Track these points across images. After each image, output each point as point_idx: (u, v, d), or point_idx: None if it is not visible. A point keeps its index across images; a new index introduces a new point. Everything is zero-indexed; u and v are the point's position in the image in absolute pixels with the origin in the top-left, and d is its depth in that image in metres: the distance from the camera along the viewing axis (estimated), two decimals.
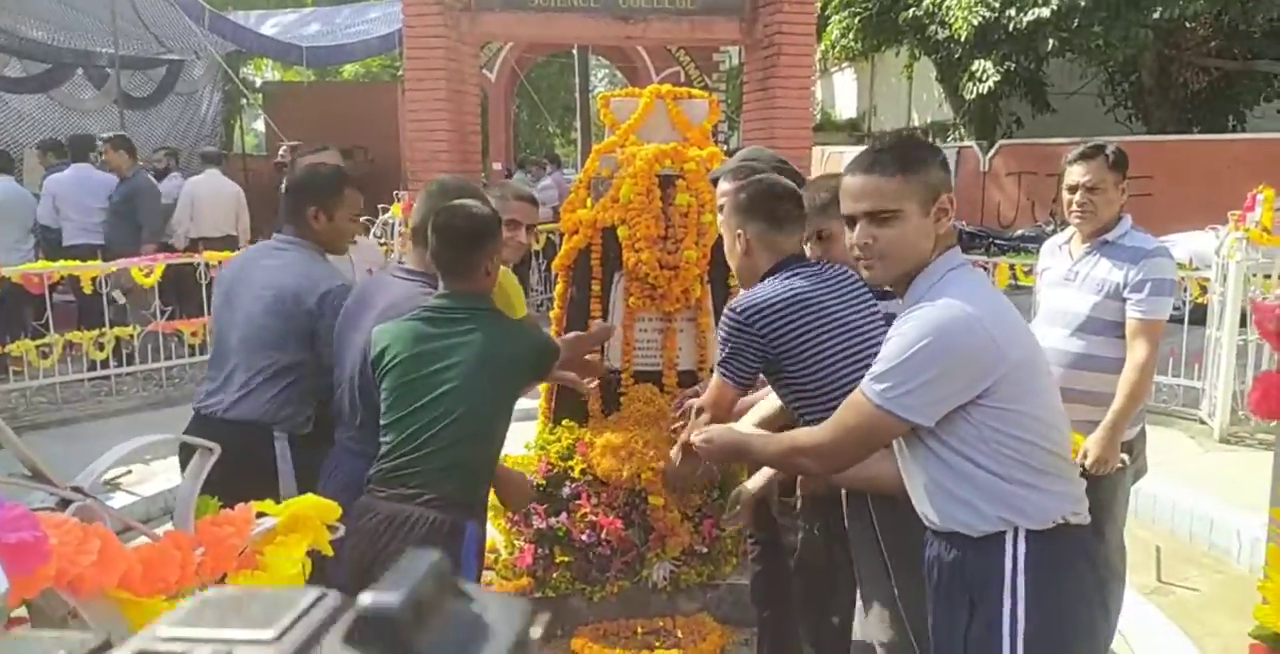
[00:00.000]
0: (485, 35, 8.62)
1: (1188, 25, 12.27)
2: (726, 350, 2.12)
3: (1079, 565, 1.63)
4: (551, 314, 3.74)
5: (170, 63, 11.90)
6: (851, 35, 16.43)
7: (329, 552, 1.04)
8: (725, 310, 2.17)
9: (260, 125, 21.10)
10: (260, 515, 1.05)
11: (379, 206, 7.80)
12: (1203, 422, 5.75)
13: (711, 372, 3.58)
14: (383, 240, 7.44)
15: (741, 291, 2.38)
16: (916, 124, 20.39)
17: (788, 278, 2.13)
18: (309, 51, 11.17)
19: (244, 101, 15.19)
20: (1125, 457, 2.69)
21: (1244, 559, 3.87)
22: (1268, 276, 5.48)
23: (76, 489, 0.79)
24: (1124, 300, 2.69)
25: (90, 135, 8.49)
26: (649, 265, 3.37)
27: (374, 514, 2.00)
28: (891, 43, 16.65)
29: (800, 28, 7.88)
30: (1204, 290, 6.00)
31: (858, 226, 1.69)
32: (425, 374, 2.05)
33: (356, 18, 12.67)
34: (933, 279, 1.66)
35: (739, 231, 2.19)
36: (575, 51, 9.64)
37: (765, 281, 2.16)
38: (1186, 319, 6.17)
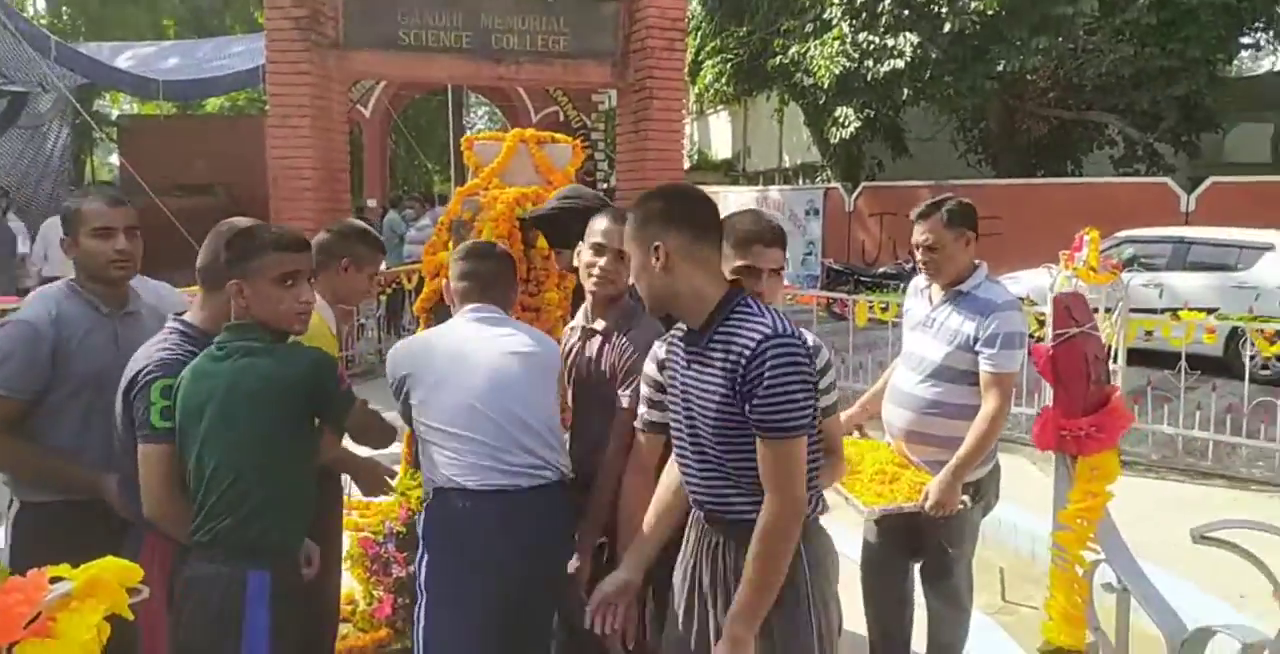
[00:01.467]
0: (354, 73, 8.53)
1: (1029, 77, 13.21)
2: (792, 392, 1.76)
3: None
4: None
5: (13, 95, 11.27)
6: (724, 80, 17.00)
7: (129, 616, 1.00)
8: (771, 341, 1.74)
9: (116, 160, 20.16)
10: (56, 580, 1.00)
11: None
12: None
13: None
14: None
15: (642, 320, 2.38)
16: (787, 165, 21.18)
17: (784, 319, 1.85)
18: (166, 85, 10.77)
19: (97, 136, 14.50)
20: (966, 498, 2.75)
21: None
22: (1095, 311, 5.90)
23: None
24: (975, 353, 2.74)
25: None
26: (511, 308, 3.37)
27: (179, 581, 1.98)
28: (762, 88, 17.30)
29: (670, 72, 8.12)
30: (1041, 324, 6.40)
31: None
32: (186, 425, 2.00)
33: (219, 52, 12.31)
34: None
35: (656, 244, 1.85)
36: (449, 90, 9.63)
37: (767, 315, 1.80)
38: (1027, 351, 6.58)
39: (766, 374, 1.72)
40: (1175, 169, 13.72)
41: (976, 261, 2.89)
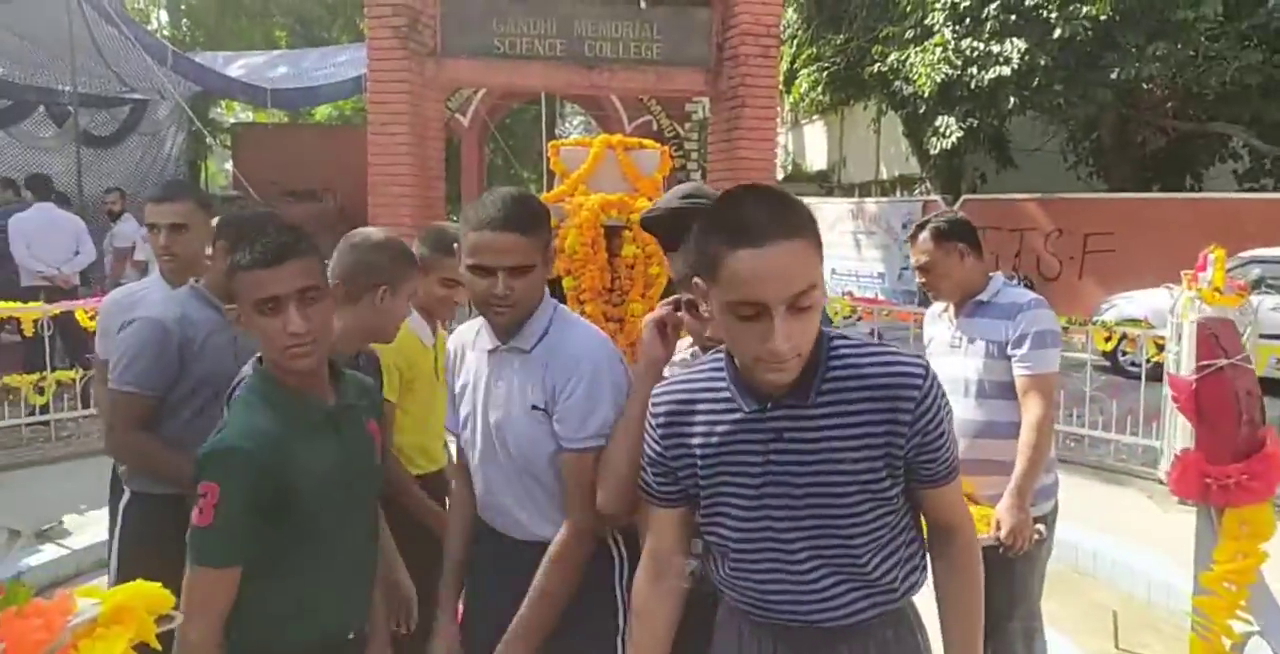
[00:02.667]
0: (450, 81, 8.65)
1: (1145, 86, 12.57)
2: None
3: None
4: None
5: (134, 102, 11.82)
6: (820, 89, 16.70)
7: (155, 645, 0.93)
8: (930, 374, 1.45)
9: (230, 165, 21.02)
10: (87, 600, 0.94)
11: None
12: (1161, 481, 5.71)
13: None
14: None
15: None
16: (885, 176, 20.70)
17: None
18: (274, 94, 11.14)
19: (210, 142, 15.12)
20: (1041, 527, 2.56)
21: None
22: None
23: None
24: (1010, 358, 2.62)
25: (46, 175, 8.35)
26: (594, 317, 3.29)
27: None
28: (859, 97, 16.94)
29: (763, 81, 7.98)
30: (1160, 348, 6.02)
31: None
32: None
33: (324, 61, 12.68)
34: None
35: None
36: (543, 99, 9.68)
37: (870, 343, 1.53)
38: (1144, 377, 6.19)
39: (940, 412, 1.42)
40: None
41: (991, 273, 2.78)
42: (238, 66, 12.26)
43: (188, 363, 2.34)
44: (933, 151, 14.26)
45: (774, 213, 1.30)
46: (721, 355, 1.50)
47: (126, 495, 2.46)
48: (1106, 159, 15.25)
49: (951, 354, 2.77)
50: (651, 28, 8.10)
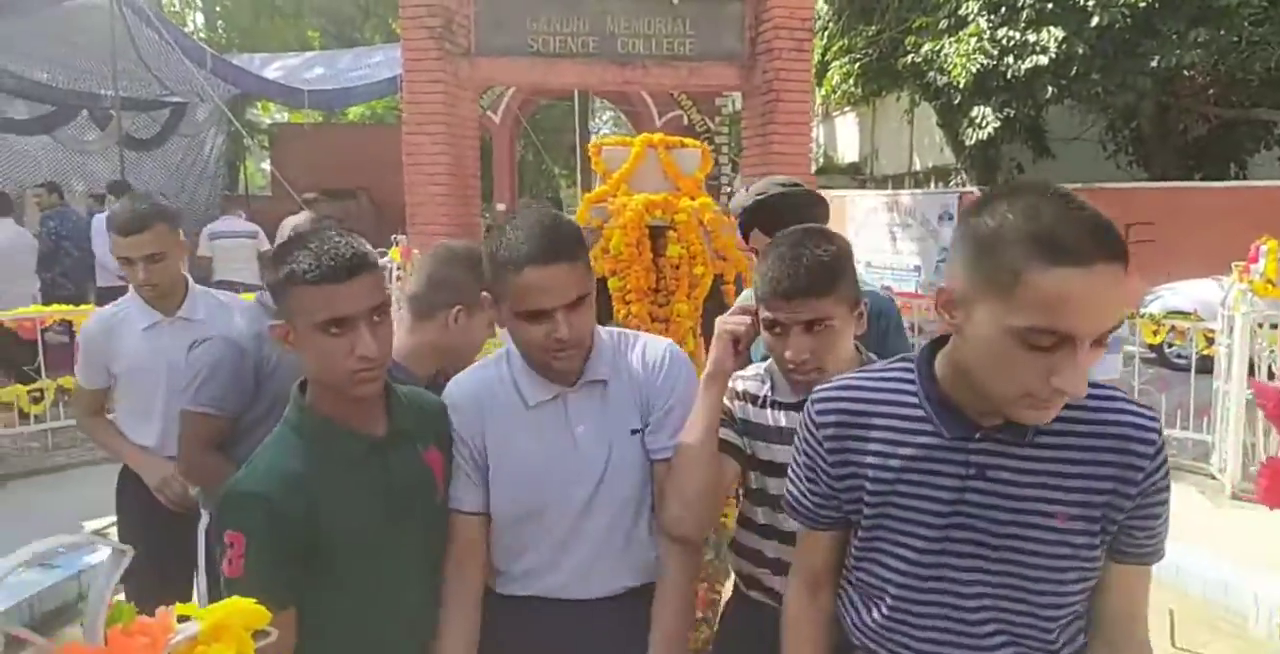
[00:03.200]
0: (484, 80, 8.67)
1: (1186, 73, 12.32)
2: None
3: None
4: None
5: (174, 105, 12.01)
6: (852, 81, 16.56)
7: None
8: (1158, 429, 1.28)
9: (268, 165, 21.28)
10: (183, 619, 0.96)
11: (378, 250, 7.77)
12: (1213, 476, 5.62)
13: None
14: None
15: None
16: (918, 168, 20.48)
17: None
18: (311, 94, 11.26)
19: (248, 143, 15.32)
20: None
21: (1262, 623, 3.72)
22: (1275, 326, 5.39)
23: None
24: None
25: (126, 181, 8.63)
26: (639, 318, 3.29)
27: None
28: (892, 88, 16.76)
29: (798, 74, 7.92)
30: (1210, 341, 5.92)
31: None
32: None
33: (359, 61, 12.79)
34: None
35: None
36: (575, 95, 9.69)
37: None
38: (1194, 370, 6.09)
39: (1168, 477, 1.25)
40: None
41: None
42: (274, 68, 12.41)
43: (263, 381, 2.28)
44: (968, 142, 14.07)
45: (1095, 229, 1.06)
46: (905, 365, 1.32)
47: (204, 518, 2.46)
48: (1146, 148, 14.97)
49: None
50: (684, 23, 8.06)
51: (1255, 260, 5.42)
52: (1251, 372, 5.38)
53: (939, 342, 1.30)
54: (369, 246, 1.54)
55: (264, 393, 2.29)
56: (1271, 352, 5.36)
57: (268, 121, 20.72)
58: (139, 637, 0.92)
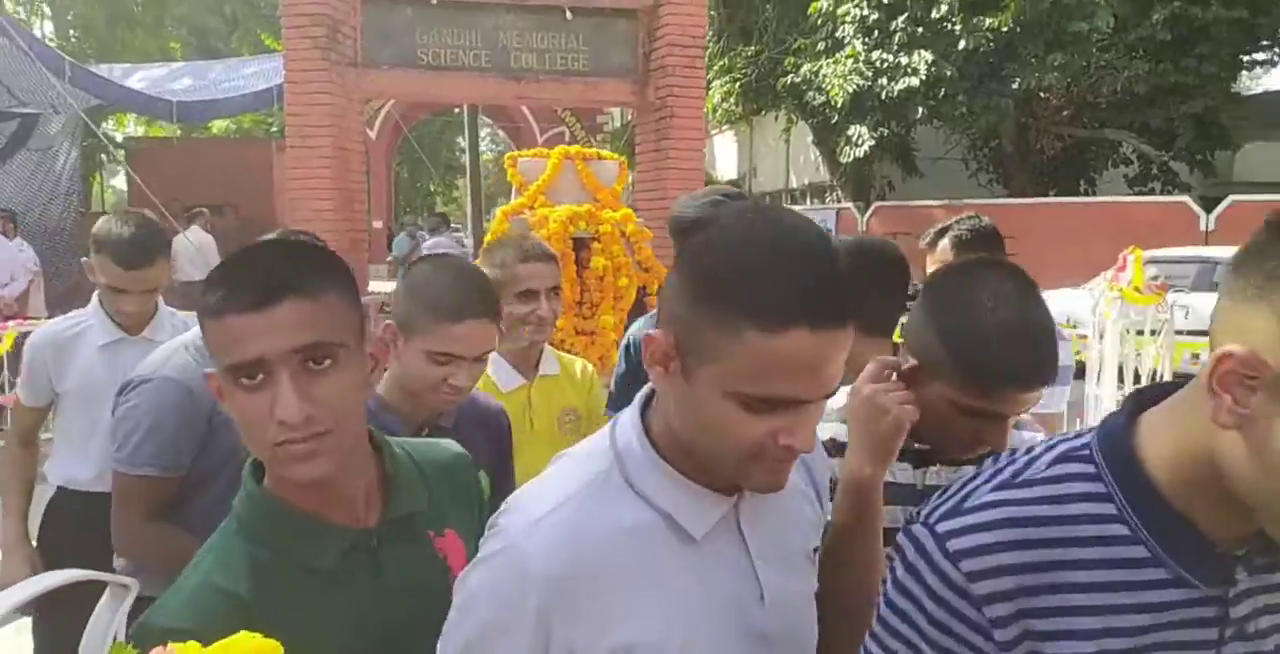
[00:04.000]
0: (372, 92, 8.44)
1: (1042, 95, 13.16)
2: None
3: None
4: None
5: (23, 117, 11.19)
6: (732, 99, 16.96)
7: None
8: None
9: (121, 182, 20.08)
10: None
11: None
12: None
13: None
14: None
15: None
16: (795, 185, 21.11)
17: None
18: (180, 106, 10.69)
19: (104, 158, 14.40)
20: None
21: None
22: (1140, 333, 5.77)
23: None
24: None
25: None
26: (565, 331, 3.25)
27: None
28: (770, 107, 17.26)
29: (690, 91, 8.02)
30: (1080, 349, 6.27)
31: None
32: None
33: (231, 73, 12.25)
34: None
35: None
36: (465, 110, 9.55)
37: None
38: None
39: None
40: (1190, 188, 13.64)
41: None
42: (137, 79, 11.72)
43: (217, 429, 1.85)
44: (845, 160, 14.61)
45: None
46: (1086, 468, 0.82)
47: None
48: (1006, 166, 15.90)
49: None
50: (577, 38, 8.06)
51: (1124, 269, 5.79)
52: (1121, 378, 5.73)
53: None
54: (321, 261, 1.11)
55: (217, 443, 1.87)
56: (1139, 355, 5.74)
57: (120, 135, 19.61)
58: None
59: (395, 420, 1.61)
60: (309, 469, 1.00)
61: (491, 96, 8.47)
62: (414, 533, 1.13)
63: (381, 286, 9.69)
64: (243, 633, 0.90)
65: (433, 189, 41.33)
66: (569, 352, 3.22)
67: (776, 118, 18.41)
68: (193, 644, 0.85)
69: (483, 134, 33.40)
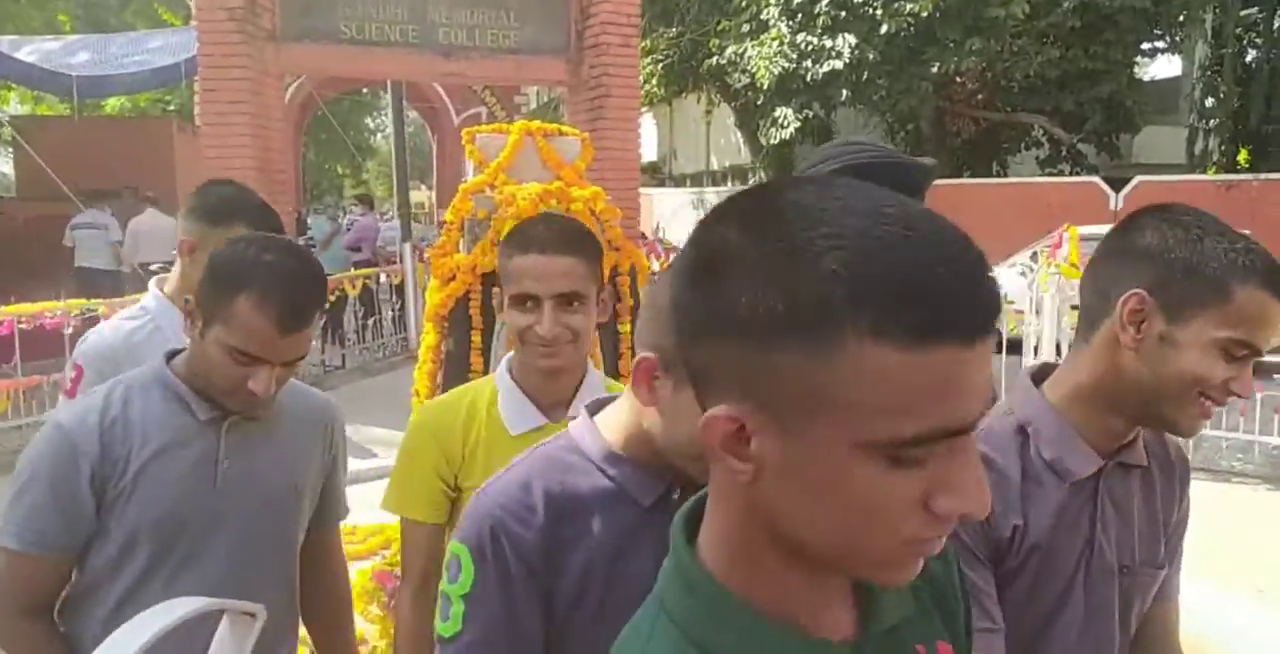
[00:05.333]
0: (293, 68, 8.09)
1: (959, 80, 13.46)
2: None
3: None
4: (422, 370, 3.39)
5: None
6: (654, 81, 16.88)
7: None
8: None
9: (6, 164, 18.89)
10: None
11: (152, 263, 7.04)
12: None
13: None
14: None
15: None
16: (715, 168, 21.18)
17: None
18: (81, 81, 10.04)
19: None
20: None
21: None
22: (1075, 307, 5.93)
23: None
24: None
25: None
26: None
27: None
28: (692, 89, 17.24)
29: (625, 70, 7.91)
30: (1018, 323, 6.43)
31: None
32: None
33: (134, 47, 11.55)
34: None
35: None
36: (389, 87, 9.23)
37: None
38: (1004, 350, 6.60)
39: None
40: (1097, 169, 14.16)
41: None
42: (27, 52, 10.94)
43: (116, 507, 1.42)
44: (772, 142, 14.70)
45: None
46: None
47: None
48: (924, 149, 16.24)
49: None
50: (508, 15, 7.85)
51: (1059, 246, 5.94)
52: (1058, 352, 5.89)
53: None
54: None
55: (117, 524, 1.43)
56: (1074, 330, 5.92)
57: (4, 114, 18.40)
58: None
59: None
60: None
61: (419, 73, 8.21)
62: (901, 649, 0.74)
63: None
64: None
65: (341, 172, 40.14)
66: None
67: (699, 99, 18.41)
68: None
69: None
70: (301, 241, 13.96)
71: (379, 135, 42.33)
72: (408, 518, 1.60)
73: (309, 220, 11.84)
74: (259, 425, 1.52)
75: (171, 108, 20.42)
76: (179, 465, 1.45)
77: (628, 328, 3.48)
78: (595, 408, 1.15)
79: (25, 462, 1.43)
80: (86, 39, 13.05)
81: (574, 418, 1.17)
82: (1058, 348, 5.90)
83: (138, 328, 1.90)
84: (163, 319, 1.91)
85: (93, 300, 6.33)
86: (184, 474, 1.45)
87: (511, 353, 1.59)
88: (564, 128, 3.83)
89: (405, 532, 1.62)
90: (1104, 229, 5.65)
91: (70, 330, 6.16)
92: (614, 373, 3.33)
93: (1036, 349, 6.03)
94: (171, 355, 1.52)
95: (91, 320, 6.30)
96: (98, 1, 21.11)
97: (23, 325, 6.03)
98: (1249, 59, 16.31)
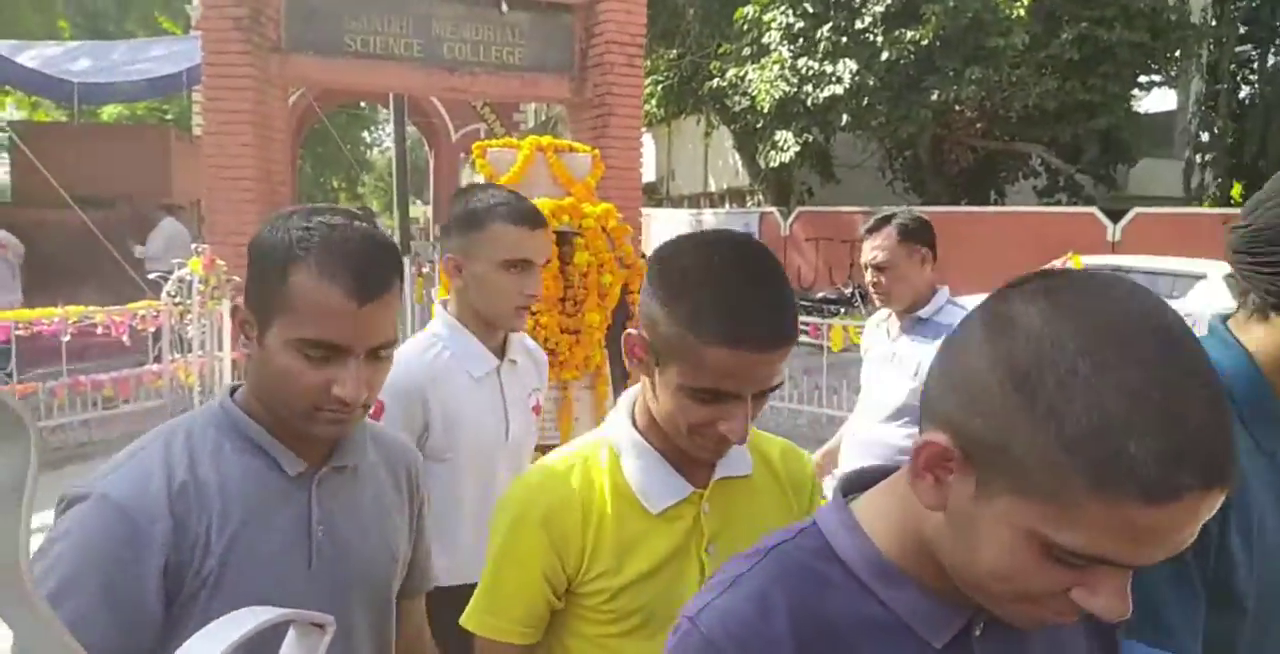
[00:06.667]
0: (297, 79, 8.06)
1: (958, 108, 13.54)
2: None
3: None
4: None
5: None
6: (654, 102, 16.94)
7: None
8: None
9: (1, 169, 18.75)
10: None
11: (174, 262, 6.96)
12: None
13: None
14: (178, 300, 6.62)
15: None
16: (713, 189, 21.24)
17: None
18: (82, 87, 10.00)
19: None
20: None
21: None
22: None
23: None
24: None
25: None
26: (549, 330, 3.08)
27: None
28: (692, 111, 17.31)
29: (629, 89, 7.92)
30: None
31: None
32: None
33: (136, 55, 11.53)
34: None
35: None
36: (390, 101, 9.22)
37: None
38: None
39: None
40: (1094, 200, 14.24)
41: (937, 285, 2.59)
42: (28, 57, 10.90)
43: (195, 597, 1.04)
44: (772, 165, 14.74)
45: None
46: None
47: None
48: (921, 175, 16.32)
49: (883, 368, 2.63)
50: (513, 32, 7.86)
51: None
52: None
53: None
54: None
55: (199, 618, 0.98)
56: None
57: (2, 119, 18.32)
58: None
59: None
60: None
61: (422, 88, 8.20)
62: None
63: None
64: None
65: (336, 185, 40.12)
66: (554, 350, 3.06)
67: (699, 121, 18.48)
68: None
69: (389, 130, 32.62)
70: None
71: (375, 149, 42.42)
72: (496, 641, 1.23)
73: None
74: (347, 480, 1.18)
75: (169, 117, 20.38)
76: (270, 541, 1.09)
77: None
78: (850, 484, 0.85)
79: (60, 553, 0.99)
80: (87, 45, 13.03)
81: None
82: None
83: (434, 355, 1.80)
84: (456, 345, 1.82)
85: (89, 308, 6.21)
86: (275, 553, 1.09)
87: (633, 394, 1.25)
88: (575, 145, 3.81)
89: None
90: (1103, 259, 5.75)
91: (68, 338, 6.08)
92: (622, 391, 3.28)
93: None
94: (230, 393, 1.18)
95: (88, 328, 6.22)
96: (98, 10, 21.11)
97: (19, 331, 5.94)
98: (1243, 95, 16.51)
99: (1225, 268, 7.69)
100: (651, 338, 1.08)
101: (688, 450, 1.13)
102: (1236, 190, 15.19)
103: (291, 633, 0.59)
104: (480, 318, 1.83)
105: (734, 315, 1.00)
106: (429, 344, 1.82)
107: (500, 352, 1.88)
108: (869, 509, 0.81)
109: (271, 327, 1.06)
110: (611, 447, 1.22)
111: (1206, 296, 9.13)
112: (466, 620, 1.24)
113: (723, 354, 1.00)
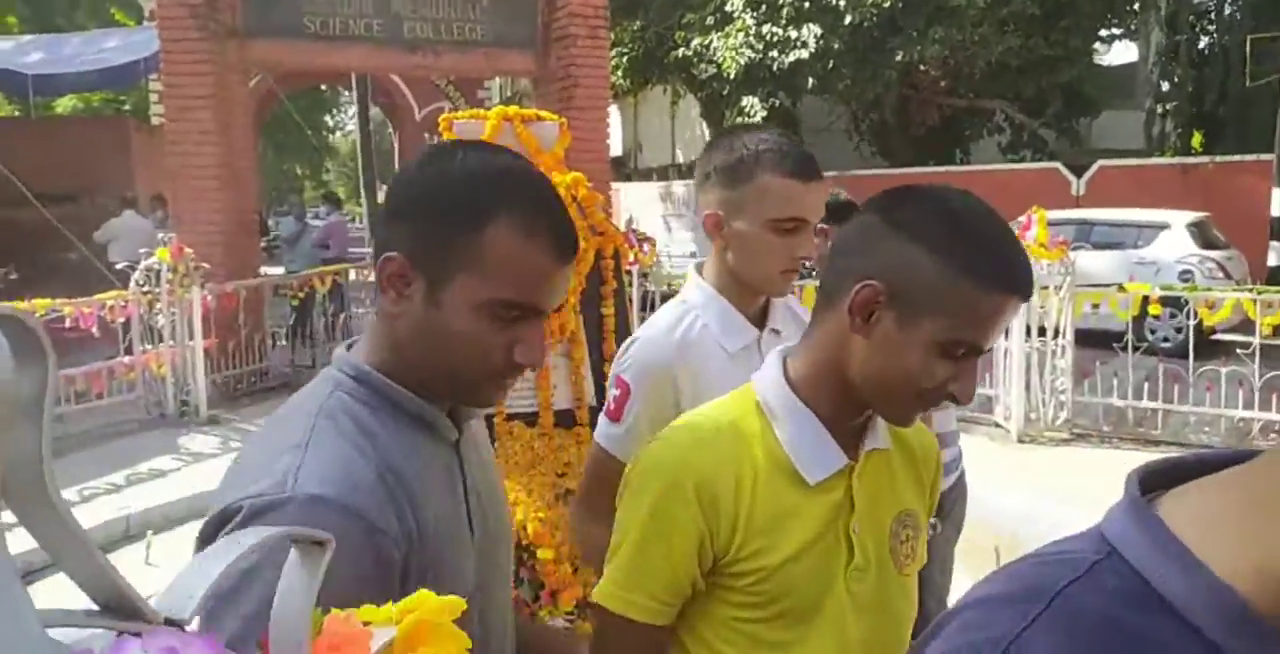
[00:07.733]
0: (256, 63, 7.99)
1: (922, 68, 13.60)
2: None
3: None
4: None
5: None
6: (619, 73, 16.86)
7: None
8: None
9: None
10: (364, 624, 0.72)
11: (141, 251, 6.90)
12: (998, 425, 6.20)
13: (589, 410, 3.33)
14: (146, 289, 6.55)
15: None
16: (681, 160, 21.21)
17: None
18: (36, 79, 9.85)
19: None
20: (934, 520, 2.41)
21: None
22: (1044, 288, 6.02)
23: (172, 622, 0.48)
24: None
25: None
26: None
27: None
28: (658, 82, 17.24)
29: (593, 61, 7.93)
30: None
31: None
32: None
33: (90, 46, 11.33)
34: None
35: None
36: (353, 82, 9.15)
37: None
38: None
39: None
40: (1057, 154, 14.38)
41: None
42: None
43: (417, 589, 0.73)
44: None
45: None
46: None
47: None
48: (887, 137, 16.40)
49: None
50: (474, 8, 7.82)
51: (1029, 228, 6.03)
52: (1027, 332, 5.99)
53: None
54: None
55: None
56: (1043, 308, 6.01)
57: None
58: (347, 648, 0.70)
59: None
60: None
61: (385, 67, 8.17)
62: None
63: (266, 271, 9.22)
64: (423, 592, 0.77)
65: (300, 172, 39.61)
66: None
67: (665, 91, 18.41)
68: (381, 608, 0.71)
69: (351, 112, 32.18)
70: (265, 242, 13.81)
71: (338, 133, 41.77)
72: (633, 622, 1.09)
73: (275, 221, 11.69)
74: (468, 441, 1.07)
75: (126, 108, 20.06)
76: (454, 521, 1.00)
77: (611, 311, 3.48)
78: (1150, 476, 0.60)
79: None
80: (39, 39, 12.78)
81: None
82: (1026, 328, 5.98)
83: (685, 327, 1.56)
84: (710, 314, 1.57)
85: (57, 300, 6.14)
86: (457, 533, 1.00)
87: (782, 352, 1.16)
88: (541, 113, 3.82)
89: (611, 637, 1.13)
90: (1068, 214, 5.90)
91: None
92: (599, 357, 3.33)
93: (1007, 331, 6.11)
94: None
95: (56, 321, 6.15)
96: (48, 2, 20.68)
97: None
98: (1202, 45, 16.66)
99: (1188, 217, 7.88)
100: (897, 290, 0.99)
101: (888, 417, 1.09)
102: (1197, 139, 15.40)
103: (293, 553, 0.63)
104: (740, 282, 1.57)
105: (1011, 263, 0.98)
106: (680, 314, 1.59)
107: (761, 320, 1.61)
108: (1185, 514, 0.55)
109: (451, 284, 0.92)
110: (762, 408, 1.11)
111: (1170, 244, 9.32)
112: (599, 595, 1.12)
113: (996, 301, 0.97)
